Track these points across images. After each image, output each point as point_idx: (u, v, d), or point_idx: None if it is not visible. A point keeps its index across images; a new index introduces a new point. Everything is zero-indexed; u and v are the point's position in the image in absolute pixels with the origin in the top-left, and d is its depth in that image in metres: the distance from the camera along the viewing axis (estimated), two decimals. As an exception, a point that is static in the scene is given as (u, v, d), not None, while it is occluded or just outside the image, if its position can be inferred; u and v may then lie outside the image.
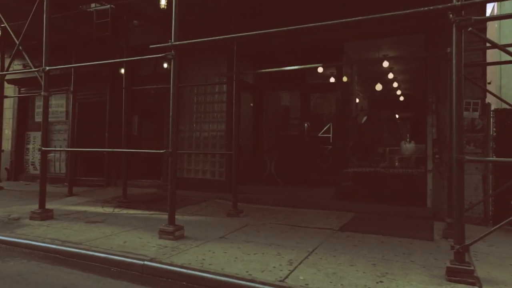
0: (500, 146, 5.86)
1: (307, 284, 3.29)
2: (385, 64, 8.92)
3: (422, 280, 3.38)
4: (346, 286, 3.27)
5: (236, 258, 3.99)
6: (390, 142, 8.40)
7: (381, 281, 3.35)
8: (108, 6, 8.34)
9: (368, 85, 9.68)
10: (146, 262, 3.83)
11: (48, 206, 6.03)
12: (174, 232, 4.67)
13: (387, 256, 4.10)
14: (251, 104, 9.53)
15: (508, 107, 5.30)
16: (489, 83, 7.52)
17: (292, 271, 3.62)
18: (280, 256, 4.06)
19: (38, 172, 10.97)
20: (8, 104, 11.15)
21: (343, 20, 4.20)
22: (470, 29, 3.45)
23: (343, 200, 7.04)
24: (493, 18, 6.56)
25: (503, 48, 4.04)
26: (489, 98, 6.55)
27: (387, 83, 9.90)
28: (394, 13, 3.79)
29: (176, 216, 4.92)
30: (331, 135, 8.90)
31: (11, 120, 11.47)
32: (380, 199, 6.79)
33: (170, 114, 4.90)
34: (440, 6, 3.40)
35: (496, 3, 10.21)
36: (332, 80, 9.85)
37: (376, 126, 8.83)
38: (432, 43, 6.42)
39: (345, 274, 3.54)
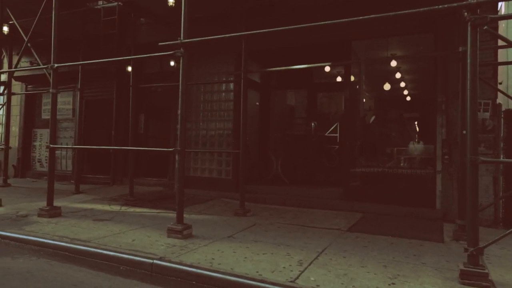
0: (509, 147, 5.79)
1: (318, 286, 3.25)
2: (393, 63, 8.84)
3: (435, 282, 3.34)
4: (357, 287, 3.23)
5: (245, 258, 3.97)
6: (398, 142, 8.33)
7: (393, 283, 3.31)
8: (116, 3, 8.33)
9: (375, 85, 9.61)
10: (155, 261, 3.81)
11: (56, 203, 6.04)
12: (182, 231, 4.65)
13: (398, 258, 4.06)
14: (258, 103, 9.49)
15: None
16: (500, 83, 7.43)
17: (303, 271, 3.58)
18: (289, 256, 4.03)
19: (44, 169, 11.03)
20: (15, 101, 11.20)
21: (353, 18, 4.15)
22: (485, 27, 3.39)
23: (351, 201, 6.99)
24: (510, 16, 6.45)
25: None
26: (500, 98, 6.46)
27: (394, 83, 9.82)
28: (406, 11, 3.73)
29: (183, 215, 4.90)
30: (338, 134, 8.84)
31: (18, 117, 11.52)
32: (388, 199, 6.73)
33: (179, 112, 4.87)
34: (455, 4, 3.35)
35: (503, 2, 10.09)
36: (339, 79, 9.78)
37: (384, 126, 8.76)
38: (441, 42, 6.35)
39: (356, 276, 3.50)
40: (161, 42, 4.99)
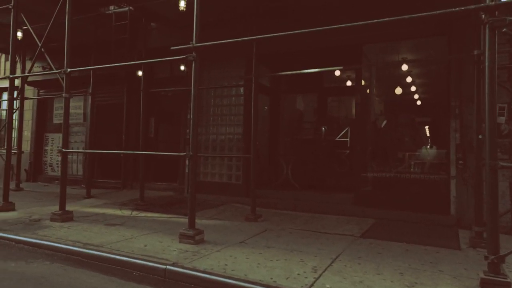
0: (525, 152, 5.67)
1: (334, 293, 3.20)
2: (404, 67, 8.77)
3: (454, 291, 3.26)
4: (375, 295, 3.17)
5: (258, 264, 3.93)
6: (410, 147, 8.22)
7: (411, 291, 3.24)
8: (127, 8, 8.41)
9: (386, 89, 9.54)
10: (168, 267, 3.79)
11: (68, 207, 6.07)
12: (194, 236, 4.62)
13: (414, 265, 3.98)
14: (267, 107, 9.46)
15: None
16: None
17: (317, 278, 3.53)
18: (303, 263, 3.98)
19: (55, 173, 11.12)
20: (28, 106, 11.33)
21: (366, 22, 4.12)
22: (504, 29, 3.33)
23: (362, 206, 6.90)
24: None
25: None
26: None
27: (405, 87, 9.73)
28: (421, 14, 3.69)
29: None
30: (348, 139, 8.77)
31: (30, 121, 11.64)
32: (400, 205, 6.63)
33: (191, 116, 4.86)
34: (472, 6, 3.29)
35: None
36: (349, 83, 9.73)
37: (395, 130, 8.66)
38: (455, 45, 6.27)
39: (372, 283, 3.43)
40: (171, 47, 5.00)
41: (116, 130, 10.10)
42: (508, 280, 3.15)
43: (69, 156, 10.65)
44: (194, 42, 4.76)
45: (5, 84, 11.97)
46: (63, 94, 6.06)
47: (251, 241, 4.89)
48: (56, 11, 6.13)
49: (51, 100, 11.43)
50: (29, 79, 10.01)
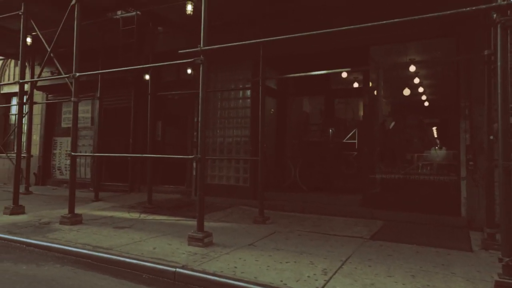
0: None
1: (345, 296, 3.17)
2: (412, 68, 8.71)
3: (467, 293, 3.22)
4: (387, 298, 3.14)
5: (268, 266, 3.91)
6: (418, 148, 8.16)
7: (423, 294, 3.20)
8: (134, 13, 8.48)
9: (394, 90, 9.49)
10: (178, 269, 3.78)
11: (76, 210, 6.10)
12: (203, 239, 4.62)
13: (425, 267, 3.93)
14: (274, 110, 9.46)
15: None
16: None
17: (328, 281, 3.50)
18: (313, 265, 3.95)
19: (64, 177, 11.21)
20: (36, 110, 11.45)
21: (374, 23, 4.10)
22: (516, 29, 3.29)
23: (371, 208, 6.85)
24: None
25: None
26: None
27: (413, 88, 9.67)
28: (430, 14, 3.66)
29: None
30: (356, 141, 8.73)
31: (39, 126, 11.77)
32: (409, 207, 6.58)
33: (200, 119, 4.87)
34: (483, 6, 3.27)
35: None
36: (356, 85, 9.70)
37: (403, 131, 8.61)
38: (463, 46, 6.22)
39: (384, 286, 3.40)
40: (178, 50, 5.02)
41: (123, 134, 10.16)
42: (523, 282, 3.10)
43: (77, 160, 10.73)
44: (201, 45, 4.77)
45: (14, 89, 12.17)
46: (72, 99, 6.10)
47: (260, 243, 4.87)
48: (65, 17, 6.19)
49: (59, 104, 11.54)
50: (38, 84, 10.12)
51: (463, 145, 6.16)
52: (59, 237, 5.00)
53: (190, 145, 9.03)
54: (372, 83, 7.62)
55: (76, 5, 6.07)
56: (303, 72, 6.91)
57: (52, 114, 11.85)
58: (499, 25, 3.25)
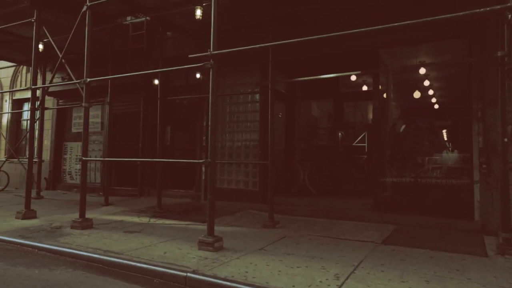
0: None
1: (359, 301, 3.12)
2: (422, 71, 8.63)
3: (484, 300, 3.14)
4: (401, 304, 3.08)
5: (279, 271, 3.87)
6: (429, 151, 8.06)
7: (439, 300, 3.14)
8: (144, 18, 8.54)
9: (404, 93, 9.41)
10: (189, 274, 3.77)
11: (87, 215, 6.13)
12: (213, 243, 4.60)
13: (440, 273, 3.86)
14: (282, 113, 9.44)
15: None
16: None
17: (341, 286, 3.45)
18: (325, 270, 3.90)
19: (74, 181, 11.30)
20: (47, 116, 11.58)
21: (385, 26, 4.08)
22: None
23: (382, 212, 6.77)
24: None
25: None
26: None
27: (423, 91, 9.58)
28: (443, 16, 3.62)
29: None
30: (366, 144, 8.66)
31: (50, 131, 11.90)
32: (421, 210, 6.48)
33: (209, 123, 4.87)
34: (498, 7, 3.22)
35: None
36: (365, 88, 9.64)
37: (414, 134, 8.52)
38: (475, 47, 6.14)
39: (398, 291, 3.34)
40: (187, 55, 5.04)
41: (133, 138, 10.23)
42: (543, 288, 3.02)
43: (87, 164, 10.81)
44: (211, 50, 4.78)
45: (26, 95, 12.36)
46: (83, 104, 6.16)
47: (270, 248, 4.84)
48: (76, 23, 6.27)
49: (70, 109, 11.68)
50: (49, 89, 10.25)
51: (476, 147, 6.06)
52: (70, 242, 5.03)
53: (199, 149, 9.05)
54: (381, 86, 7.56)
55: (87, 11, 6.14)
56: (311, 76, 6.88)
57: (62, 119, 11.99)
58: (513, 26, 3.20)
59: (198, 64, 4.96)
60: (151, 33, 8.81)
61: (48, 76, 10.86)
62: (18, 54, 10.69)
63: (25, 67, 12.82)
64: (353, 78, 9.18)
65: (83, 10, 6.17)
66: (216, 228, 4.87)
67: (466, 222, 6.04)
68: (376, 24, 4.09)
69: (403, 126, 8.39)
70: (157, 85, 8.60)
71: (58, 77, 10.88)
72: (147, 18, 8.30)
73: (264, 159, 7.30)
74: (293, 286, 3.45)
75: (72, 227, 5.86)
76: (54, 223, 6.28)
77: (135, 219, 6.87)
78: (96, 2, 6.12)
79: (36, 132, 9.78)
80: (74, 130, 11.71)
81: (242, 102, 8.64)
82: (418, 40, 6.74)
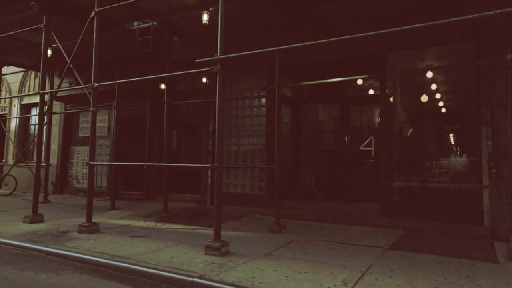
0: None
1: (368, 308, 3.08)
2: (429, 74, 8.56)
3: (496, 307, 3.08)
4: (411, 311, 3.03)
5: (286, 276, 3.84)
6: (437, 156, 7.98)
7: (449, 307, 3.08)
8: (151, 23, 8.61)
9: (411, 97, 9.35)
10: (195, 279, 3.75)
11: (93, 219, 6.13)
12: (220, 248, 4.58)
13: (450, 279, 3.80)
14: (288, 118, 9.43)
15: None
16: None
17: (349, 292, 3.41)
18: (332, 276, 3.86)
19: (81, 185, 11.36)
20: (55, 120, 11.68)
21: (393, 29, 4.05)
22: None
23: (389, 217, 6.71)
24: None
25: None
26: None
27: (431, 94, 9.50)
28: (453, 19, 3.59)
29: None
30: (372, 148, 8.60)
31: (57, 135, 11.99)
32: (429, 215, 6.41)
33: (216, 127, 4.87)
34: (508, 9, 3.18)
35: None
36: (371, 92, 9.59)
37: (422, 138, 8.45)
38: (484, 50, 6.09)
39: (407, 298, 3.29)
40: (193, 60, 5.05)
41: (139, 143, 10.27)
42: (557, 296, 2.95)
43: (94, 168, 10.86)
44: (218, 54, 4.79)
45: (34, 100, 12.48)
46: (91, 108, 6.20)
47: (277, 253, 4.81)
48: (85, 28, 6.33)
49: (77, 114, 11.76)
50: (57, 94, 10.34)
51: (485, 152, 5.99)
52: (77, 246, 5.03)
53: (205, 153, 9.05)
54: (388, 90, 7.52)
55: (95, 17, 6.20)
56: (317, 80, 6.87)
57: (69, 123, 12.08)
58: (524, 28, 3.16)
59: (205, 69, 4.97)
60: (158, 38, 8.87)
61: (56, 81, 10.97)
62: (27, 60, 10.83)
63: (33, 72, 12.97)
64: (360, 82, 9.15)
65: (91, 15, 6.23)
66: (222, 232, 4.85)
67: (475, 228, 5.96)
68: (383, 27, 4.07)
69: (411, 130, 8.33)
70: (163, 89, 8.63)
71: (66, 82, 10.99)
72: (154, 23, 8.36)
73: (271, 164, 7.29)
74: (301, 292, 3.41)
75: (79, 231, 5.87)
76: (61, 227, 6.30)
77: (142, 223, 6.87)
78: (104, 8, 6.17)
79: (44, 136, 9.86)
80: (81, 134, 11.79)
81: (248, 106, 8.65)
82: (425, 43, 6.70)
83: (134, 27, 9.12)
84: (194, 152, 10.03)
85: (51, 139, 10.76)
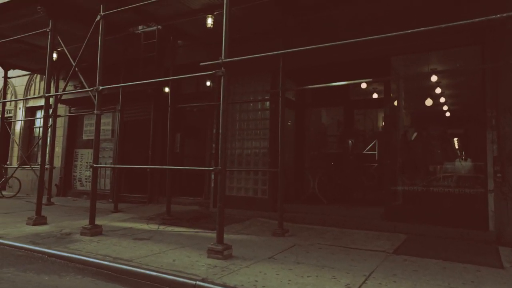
0: None
1: (371, 313, 3.05)
2: (434, 78, 8.54)
3: (502, 313, 3.04)
4: (415, 316, 3.00)
5: (289, 280, 3.81)
6: (442, 160, 7.94)
7: (454, 313, 3.05)
8: (155, 27, 8.67)
9: (415, 100, 9.32)
10: (198, 282, 3.73)
11: (96, 222, 6.15)
12: (222, 251, 4.56)
13: (454, 284, 3.76)
14: (292, 121, 9.42)
15: None
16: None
17: (352, 297, 3.38)
18: (336, 280, 3.84)
19: (84, 188, 11.39)
20: (59, 123, 11.75)
21: (399, 32, 4.04)
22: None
23: (393, 221, 6.66)
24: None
25: None
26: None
27: (435, 98, 9.47)
28: (459, 22, 3.57)
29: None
30: (376, 152, 8.57)
31: (61, 138, 12.06)
32: (433, 220, 6.36)
33: (220, 131, 4.88)
34: (513, 13, 3.16)
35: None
36: (375, 95, 9.56)
37: (426, 142, 8.40)
38: (489, 54, 6.06)
39: (412, 303, 3.26)
40: (198, 63, 5.08)
41: (143, 146, 10.29)
42: None
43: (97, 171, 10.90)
44: (223, 58, 4.80)
45: (39, 103, 12.57)
46: (95, 111, 6.23)
47: (280, 256, 4.78)
48: (90, 32, 6.37)
49: (81, 117, 11.83)
50: (62, 97, 10.42)
51: (490, 156, 5.94)
52: (80, 248, 5.04)
53: (208, 156, 9.06)
54: (392, 94, 7.49)
55: (101, 21, 6.24)
56: (321, 83, 6.86)
57: (73, 126, 12.14)
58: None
59: (210, 72, 4.99)
60: (163, 42, 8.94)
61: (61, 84, 11.04)
62: (32, 63, 10.92)
63: (38, 76, 13.07)
64: (364, 85, 9.13)
65: (96, 19, 6.27)
66: (225, 236, 4.83)
67: (480, 232, 5.90)
68: (388, 31, 4.07)
69: (415, 134, 8.29)
70: (167, 92, 8.66)
71: (71, 85, 11.08)
72: (159, 27, 8.42)
73: (274, 167, 7.27)
74: (304, 296, 3.39)
75: (82, 233, 5.88)
76: (64, 230, 6.32)
77: (144, 226, 6.87)
78: (109, 11, 6.22)
79: (48, 139, 9.92)
80: (85, 137, 11.85)
81: (252, 110, 8.65)
82: (430, 47, 6.68)
83: (139, 31, 9.19)
84: (197, 155, 10.04)
85: (55, 142, 10.84)
